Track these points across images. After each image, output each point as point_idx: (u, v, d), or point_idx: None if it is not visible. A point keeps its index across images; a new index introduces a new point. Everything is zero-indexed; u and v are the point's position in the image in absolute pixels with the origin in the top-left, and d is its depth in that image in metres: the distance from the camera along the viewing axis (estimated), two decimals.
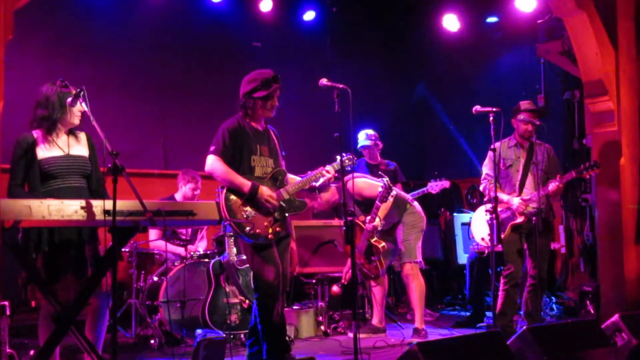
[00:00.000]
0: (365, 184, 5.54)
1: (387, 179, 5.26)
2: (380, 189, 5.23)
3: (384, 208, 5.36)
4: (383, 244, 5.45)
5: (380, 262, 5.51)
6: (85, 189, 3.88)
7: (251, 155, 4.40)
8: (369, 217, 5.39)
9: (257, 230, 4.25)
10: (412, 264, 5.60)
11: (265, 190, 4.29)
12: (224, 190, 4.30)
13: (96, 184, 3.95)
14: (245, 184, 4.26)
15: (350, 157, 4.74)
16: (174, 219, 3.52)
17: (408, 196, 5.89)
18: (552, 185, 5.12)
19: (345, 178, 5.17)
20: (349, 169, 4.93)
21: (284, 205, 4.41)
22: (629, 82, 5.47)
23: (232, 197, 4.27)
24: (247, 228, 4.21)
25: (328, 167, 4.63)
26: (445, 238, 8.10)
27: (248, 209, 4.26)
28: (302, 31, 8.49)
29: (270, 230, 4.30)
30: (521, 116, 5.35)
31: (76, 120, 3.91)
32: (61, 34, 6.75)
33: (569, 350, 3.81)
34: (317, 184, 4.64)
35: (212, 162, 4.33)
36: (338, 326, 6.03)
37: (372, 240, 5.43)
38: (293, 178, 4.65)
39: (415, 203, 5.80)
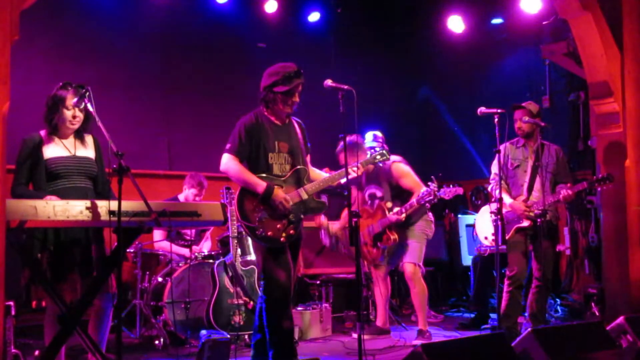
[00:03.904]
0: (408, 173, 5.55)
1: (435, 185, 5.25)
2: (423, 191, 5.24)
3: (414, 209, 5.37)
4: (396, 236, 5.44)
5: (384, 251, 5.53)
6: (90, 189, 3.89)
7: (268, 152, 4.22)
8: (397, 209, 5.38)
9: (269, 233, 4.10)
10: (415, 267, 5.57)
11: (279, 193, 4.13)
12: (238, 190, 4.19)
13: (102, 186, 3.96)
14: (260, 184, 4.12)
15: (384, 152, 4.66)
16: (179, 219, 3.52)
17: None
18: (564, 193, 5.10)
19: (391, 160, 5.34)
20: (381, 164, 4.89)
21: (300, 206, 4.24)
22: (634, 84, 5.45)
23: (246, 197, 4.14)
24: (258, 231, 4.08)
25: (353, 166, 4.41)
26: (450, 239, 8.09)
27: (262, 210, 4.12)
28: (307, 32, 8.50)
29: (283, 234, 4.14)
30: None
31: (69, 125, 3.87)
32: (67, 34, 6.77)
33: (573, 352, 3.80)
34: (343, 182, 4.34)
35: (227, 162, 4.20)
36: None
37: (388, 230, 5.42)
38: (318, 174, 4.47)
39: (430, 213, 5.78)
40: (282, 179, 4.24)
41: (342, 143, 5.71)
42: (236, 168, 4.18)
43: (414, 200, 5.32)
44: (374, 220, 5.55)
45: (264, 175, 4.20)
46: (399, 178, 5.52)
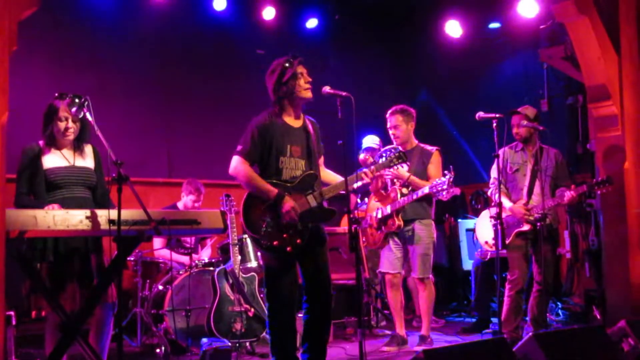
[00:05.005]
0: (439, 164, 5.48)
1: (452, 176, 5.08)
2: (438, 181, 5.09)
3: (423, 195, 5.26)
4: (400, 222, 5.36)
5: (384, 237, 5.49)
6: (89, 199, 3.89)
7: (280, 156, 4.07)
8: (403, 198, 5.33)
9: (275, 243, 3.97)
10: (426, 280, 5.55)
11: (289, 201, 3.96)
12: (244, 198, 4.06)
13: (101, 196, 3.96)
14: (272, 190, 3.95)
15: (400, 154, 4.38)
16: (179, 227, 3.53)
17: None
18: (568, 195, 5.11)
19: (436, 148, 5.43)
20: (400, 166, 4.50)
21: (308, 214, 4.06)
22: (632, 87, 5.47)
23: (252, 205, 4.01)
24: (263, 241, 3.98)
25: (366, 170, 4.24)
26: (450, 244, 8.09)
27: (268, 218, 3.98)
28: (305, 38, 8.52)
29: (289, 244, 4.00)
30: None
31: (63, 136, 3.87)
32: (65, 44, 6.79)
33: (574, 356, 3.80)
34: (355, 186, 4.24)
35: (236, 165, 4.03)
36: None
37: (395, 214, 5.36)
38: (333, 177, 4.31)
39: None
40: (290, 185, 4.08)
41: (393, 107, 5.61)
42: (246, 173, 4.03)
43: (426, 187, 5.16)
44: (385, 203, 5.47)
45: (274, 181, 4.05)
46: (431, 163, 5.45)
